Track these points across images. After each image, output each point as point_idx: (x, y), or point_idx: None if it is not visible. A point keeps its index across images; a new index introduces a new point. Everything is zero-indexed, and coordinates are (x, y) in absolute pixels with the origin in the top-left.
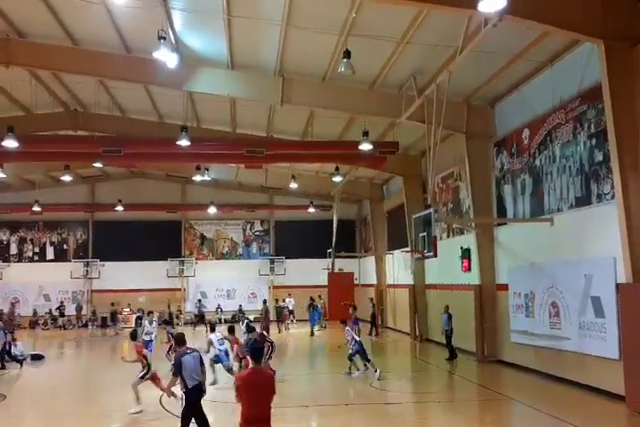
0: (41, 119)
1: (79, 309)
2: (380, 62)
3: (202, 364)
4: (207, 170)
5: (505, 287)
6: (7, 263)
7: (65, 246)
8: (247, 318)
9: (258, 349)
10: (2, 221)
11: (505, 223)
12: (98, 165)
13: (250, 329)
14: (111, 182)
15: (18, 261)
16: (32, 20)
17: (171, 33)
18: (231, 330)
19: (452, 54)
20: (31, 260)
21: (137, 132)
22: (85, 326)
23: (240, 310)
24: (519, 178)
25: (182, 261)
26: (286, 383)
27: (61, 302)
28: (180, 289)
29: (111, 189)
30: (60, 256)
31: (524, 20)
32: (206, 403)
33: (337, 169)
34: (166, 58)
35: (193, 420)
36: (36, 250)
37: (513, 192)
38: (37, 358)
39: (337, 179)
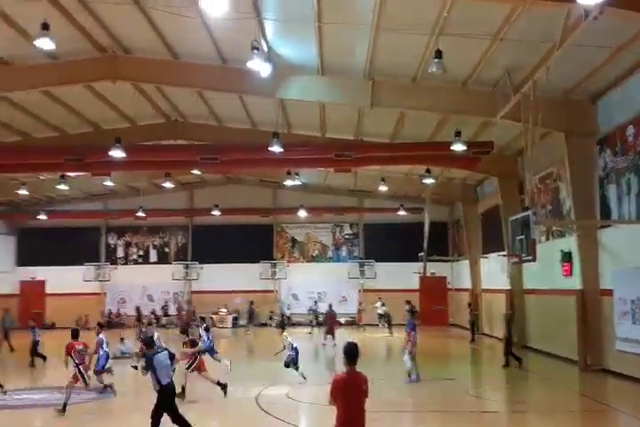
0: (144, 130)
1: (180, 309)
2: (473, 60)
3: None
4: (297, 174)
5: (609, 293)
6: (115, 266)
7: (166, 249)
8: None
9: (352, 351)
10: (110, 227)
11: (609, 225)
12: (196, 172)
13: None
14: (208, 188)
15: (124, 264)
16: (136, 36)
17: (263, 43)
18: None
19: (548, 49)
20: (136, 262)
21: (232, 140)
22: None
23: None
24: (624, 177)
25: (274, 263)
26: (380, 387)
27: (166, 303)
28: (272, 291)
29: (208, 195)
30: (162, 259)
31: (627, 12)
32: (304, 405)
33: (428, 171)
34: (259, 67)
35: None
36: (141, 253)
37: (618, 192)
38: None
39: (428, 181)
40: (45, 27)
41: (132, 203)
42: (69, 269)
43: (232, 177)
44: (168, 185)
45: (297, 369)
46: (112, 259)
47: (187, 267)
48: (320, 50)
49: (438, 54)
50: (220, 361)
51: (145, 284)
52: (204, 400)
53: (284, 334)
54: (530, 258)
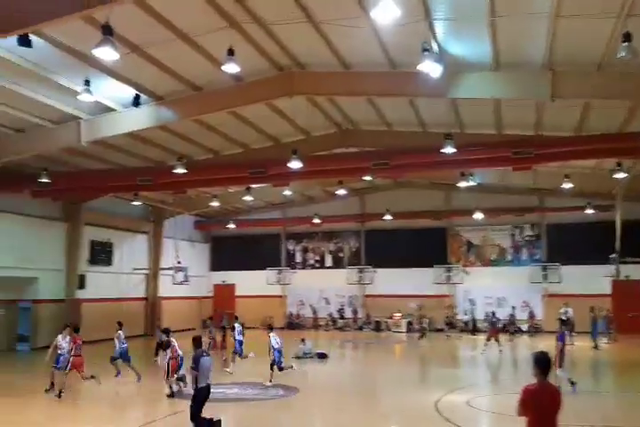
0: (318, 140)
1: (355, 312)
2: None
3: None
4: (472, 175)
5: None
6: (294, 270)
7: (340, 254)
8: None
9: (544, 360)
10: (289, 233)
11: None
12: (367, 178)
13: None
14: (379, 193)
15: (302, 268)
16: (310, 52)
17: (434, 43)
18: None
19: None
20: (313, 267)
21: (403, 144)
22: (360, 328)
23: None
24: None
25: (449, 268)
26: (573, 399)
27: (342, 306)
28: (447, 296)
29: (379, 200)
30: (337, 263)
31: None
32: (485, 413)
33: (619, 164)
34: (430, 69)
35: None
36: (317, 258)
37: None
38: (322, 356)
39: (619, 175)
40: (231, 52)
41: (308, 210)
42: (254, 274)
43: (402, 181)
44: (341, 192)
45: (281, 370)
46: (291, 264)
47: (360, 271)
48: (494, 44)
49: (627, 38)
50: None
51: (321, 287)
52: (384, 404)
53: (271, 334)
54: None
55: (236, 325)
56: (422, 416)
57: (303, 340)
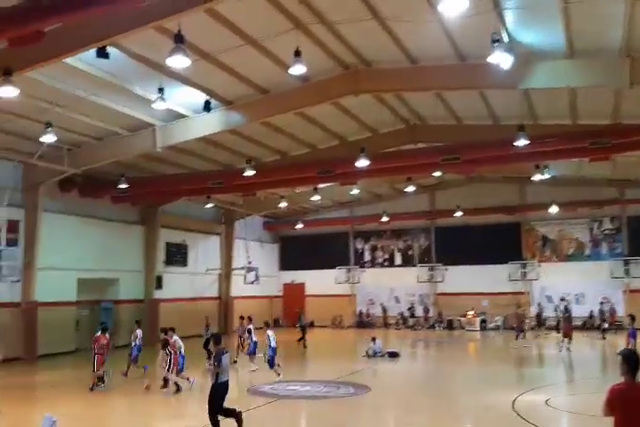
0: (385, 138)
1: (426, 311)
2: None
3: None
4: (546, 167)
5: None
6: (363, 269)
7: (410, 252)
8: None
9: (633, 359)
10: (357, 232)
11: None
12: (437, 173)
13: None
14: (450, 189)
15: (371, 267)
16: (376, 49)
17: (504, 33)
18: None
19: None
20: (382, 265)
21: (473, 138)
22: (432, 327)
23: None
24: None
25: (524, 264)
26: None
27: (412, 304)
28: (523, 293)
29: (450, 196)
30: (407, 261)
31: None
32: (564, 413)
33: None
34: (501, 59)
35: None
36: (386, 256)
37: None
38: (393, 355)
39: None
40: (297, 53)
41: (376, 208)
42: (323, 273)
43: (473, 176)
44: (410, 189)
45: (271, 368)
46: (360, 262)
47: (431, 269)
48: (567, 31)
49: None
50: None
51: (391, 286)
52: (459, 403)
53: (268, 332)
54: None
55: (251, 327)
56: (499, 416)
57: (374, 339)
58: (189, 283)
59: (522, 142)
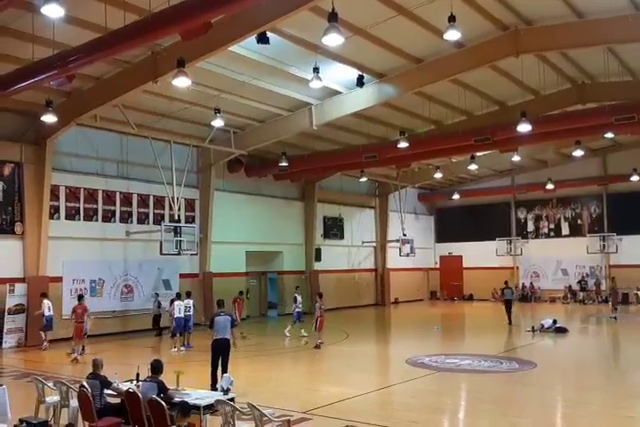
0: (549, 100)
1: (598, 284)
2: None
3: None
4: None
5: None
6: (526, 240)
7: (579, 221)
8: None
9: None
10: (519, 201)
11: None
12: (609, 135)
13: None
14: (624, 152)
15: (535, 238)
16: (537, 5)
17: None
18: None
19: None
20: (547, 236)
21: None
22: (605, 301)
23: None
24: None
25: None
26: None
27: (582, 277)
28: None
29: (624, 159)
30: (575, 231)
31: None
32: None
33: None
34: None
35: None
36: (551, 226)
37: None
38: (561, 331)
39: None
40: (452, 19)
41: (540, 176)
42: (482, 245)
43: None
44: (578, 153)
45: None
46: (523, 233)
47: (603, 239)
48: None
49: None
50: None
51: (558, 258)
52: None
53: (295, 294)
54: None
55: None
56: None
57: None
58: (346, 255)
59: None
